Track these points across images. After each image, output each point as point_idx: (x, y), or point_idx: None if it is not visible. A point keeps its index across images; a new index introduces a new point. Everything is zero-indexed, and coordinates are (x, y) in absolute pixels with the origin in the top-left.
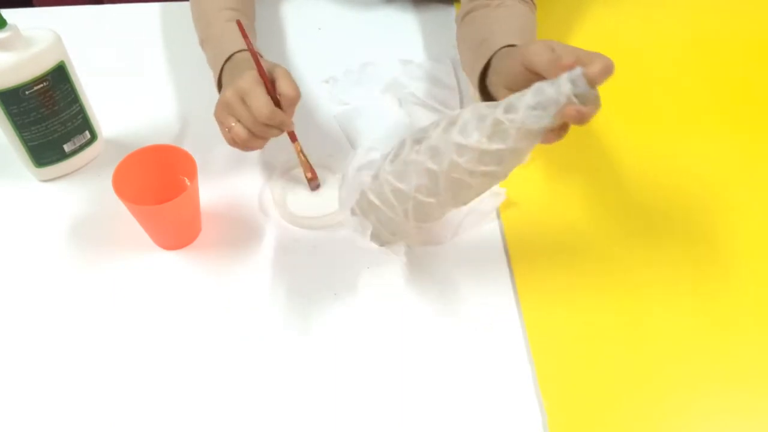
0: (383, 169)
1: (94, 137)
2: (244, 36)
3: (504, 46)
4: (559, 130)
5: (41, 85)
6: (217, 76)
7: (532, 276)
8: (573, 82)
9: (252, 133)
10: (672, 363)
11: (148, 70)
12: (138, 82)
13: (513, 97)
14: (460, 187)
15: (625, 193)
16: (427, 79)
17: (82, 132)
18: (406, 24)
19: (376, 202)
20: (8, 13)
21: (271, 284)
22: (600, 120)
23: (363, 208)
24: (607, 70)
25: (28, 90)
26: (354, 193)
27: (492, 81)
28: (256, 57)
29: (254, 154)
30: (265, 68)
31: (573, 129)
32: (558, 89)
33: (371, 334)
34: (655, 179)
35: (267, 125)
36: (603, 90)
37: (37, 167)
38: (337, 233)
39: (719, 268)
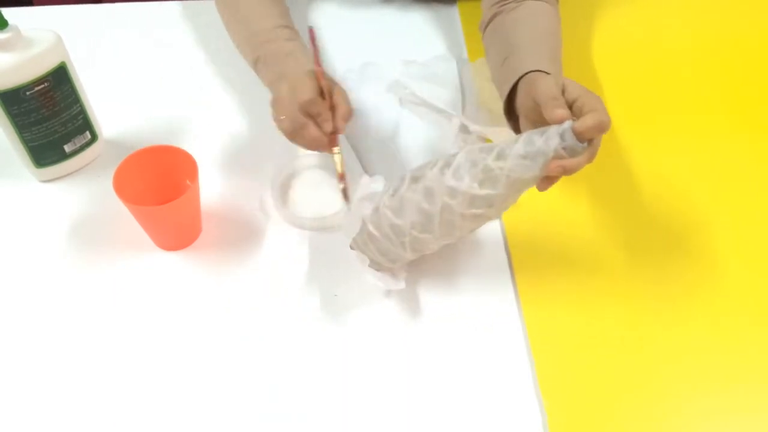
0: (383, 203)
1: (94, 138)
2: (312, 41)
3: (528, 72)
4: (550, 179)
5: (42, 86)
6: None
7: (533, 276)
8: (561, 135)
9: (293, 124)
10: (671, 363)
11: (149, 70)
12: (139, 82)
13: (505, 144)
14: (452, 226)
15: (628, 195)
16: (429, 78)
17: (82, 132)
18: (409, 23)
19: (376, 234)
20: (8, 12)
21: (271, 284)
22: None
23: (363, 238)
24: (600, 127)
25: (28, 91)
26: (357, 222)
27: (516, 106)
28: (316, 53)
29: (252, 155)
30: (326, 83)
31: None
32: (546, 141)
33: (371, 334)
34: (657, 182)
35: (306, 114)
36: (609, 93)
37: (37, 168)
38: (338, 233)
39: (720, 271)
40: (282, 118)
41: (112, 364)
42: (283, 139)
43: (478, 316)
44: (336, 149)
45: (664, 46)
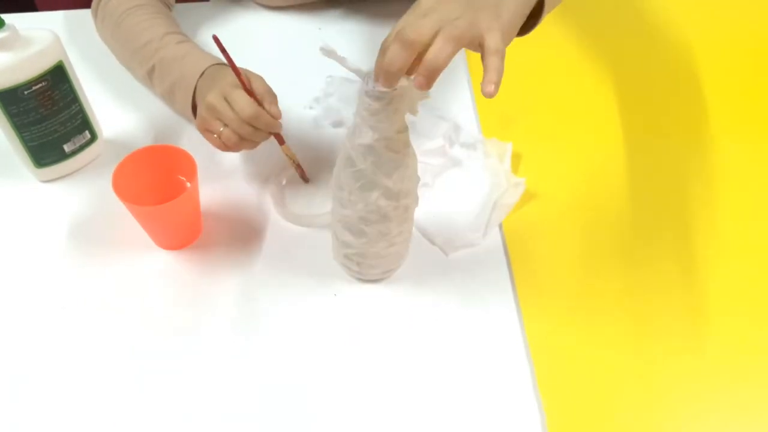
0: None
1: (94, 137)
2: (222, 50)
3: None
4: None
5: (40, 85)
6: (190, 95)
7: (532, 276)
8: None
9: (240, 136)
10: (670, 363)
11: None
12: (138, 82)
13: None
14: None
15: (626, 195)
16: None
17: (81, 132)
18: None
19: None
20: (9, 18)
21: (271, 284)
22: (603, 122)
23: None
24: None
25: (27, 90)
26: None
27: None
28: (231, 62)
29: (253, 154)
30: (247, 81)
31: (575, 126)
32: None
33: (371, 334)
34: (656, 182)
35: (253, 127)
36: (607, 93)
37: (37, 167)
38: None
39: (719, 273)
40: (222, 129)
41: (112, 364)
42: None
43: (477, 318)
44: (286, 147)
45: (662, 45)
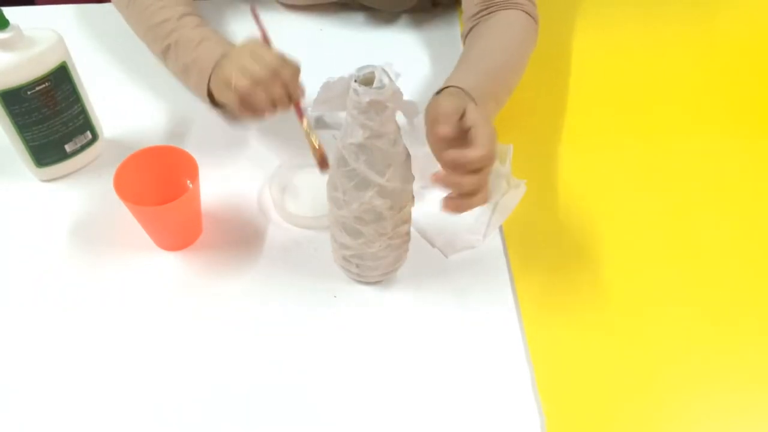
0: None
1: (95, 137)
2: (258, 21)
3: (447, 87)
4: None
5: (43, 86)
6: (205, 80)
7: (532, 278)
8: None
9: (255, 81)
10: (671, 365)
11: (150, 70)
12: (140, 82)
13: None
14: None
15: (627, 197)
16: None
17: (83, 132)
18: (414, 33)
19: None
20: (9, 12)
21: (271, 285)
22: (603, 123)
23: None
24: (458, 164)
25: (29, 90)
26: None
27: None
28: (264, 34)
29: (252, 155)
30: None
31: (575, 127)
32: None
33: (370, 336)
34: (657, 183)
35: (275, 75)
36: (607, 93)
37: (38, 167)
38: None
39: (720, 271)
40: (249, 67)
41: (112, 364)
42: (283, 139)
43: (477, 319)
44: (306, 120)
45: (662, 45)
